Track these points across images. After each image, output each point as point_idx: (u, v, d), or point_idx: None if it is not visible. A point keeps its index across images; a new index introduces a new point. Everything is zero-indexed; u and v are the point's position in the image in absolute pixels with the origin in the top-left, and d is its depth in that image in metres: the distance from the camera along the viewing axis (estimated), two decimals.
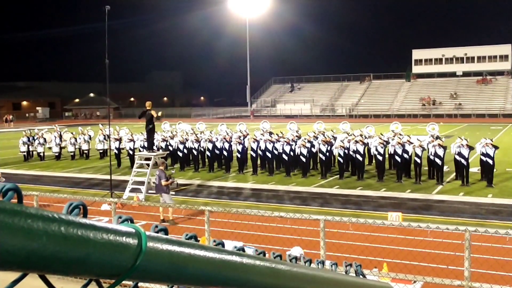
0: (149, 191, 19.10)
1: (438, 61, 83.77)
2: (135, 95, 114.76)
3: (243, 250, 1.22)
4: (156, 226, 0.96)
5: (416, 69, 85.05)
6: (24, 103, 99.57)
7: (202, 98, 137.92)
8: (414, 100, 77.70)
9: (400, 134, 22.64)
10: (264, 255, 1.31)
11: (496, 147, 19.27)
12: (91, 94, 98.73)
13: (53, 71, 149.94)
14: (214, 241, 1.15)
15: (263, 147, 22.87)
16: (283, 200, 17.90)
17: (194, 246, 0.89)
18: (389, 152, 21.44)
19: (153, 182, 16.64)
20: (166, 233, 0.94)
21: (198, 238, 1.11)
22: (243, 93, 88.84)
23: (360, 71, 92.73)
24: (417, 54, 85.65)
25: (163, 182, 15.02)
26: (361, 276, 2.12)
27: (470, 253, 7.17)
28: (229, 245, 1.59)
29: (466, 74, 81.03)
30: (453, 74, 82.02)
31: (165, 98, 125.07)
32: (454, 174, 20.54)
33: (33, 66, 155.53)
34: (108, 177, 19.21)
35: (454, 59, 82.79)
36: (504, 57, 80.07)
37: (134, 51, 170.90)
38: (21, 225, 0.59)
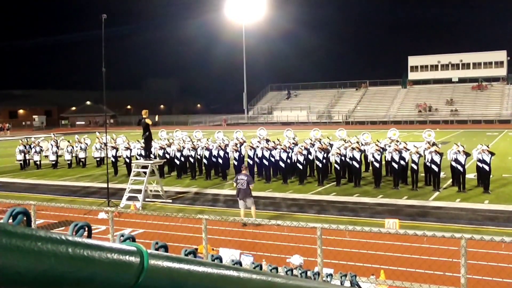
0: (146, 199, 19.10)
1: (434, 67, 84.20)
2: (132, 103, 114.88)
3: (240, 262, 1.26)
4: (157, 243, 1.00)
5: (412, 76, 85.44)
6: (21, 111, 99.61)
7: (199, 105, 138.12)
8: (410, 107, 77.99)
9: (397, 141, 22.71)
10: (261, 268, 1.34)
11: (492, 153, 19.34)
12: (88, 102, 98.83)
13: (50, 79, 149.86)
14: (212, 256, 1.19)
15: (260, 155, 22.92)
16: (280, 207, 17.91)
17: (193, 262, 0.93)
18: (386, 159, 21.49)
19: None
20: (166, 250, 0.98)
21: (196, 247, 1.15)
22: (240, 100, 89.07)
23: (356, 77, 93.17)
24: (413, 60, 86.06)
25: (252, 186, 15.44)
26: (356, 286, 2.15)
27: (466, 259, 7.20)
28: (226, 253, 1.63)
29: (461, 80, 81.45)
30: (449, 81, 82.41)
31: (162, 106, 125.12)
32: (451, 180, 20.61)
33: (30, 74, 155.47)
34: (105, 185, 19.21)
35: (449, 65, 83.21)
36: (500, 63, 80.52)
37: (131, 58, 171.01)
38: (32, 248, 0.63)
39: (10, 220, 0.71)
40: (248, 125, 71.41)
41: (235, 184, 15.86)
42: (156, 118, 21.08)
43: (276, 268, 1.44)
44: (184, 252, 1.06)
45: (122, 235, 0.91)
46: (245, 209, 15.37)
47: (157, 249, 0.97)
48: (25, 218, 0.72)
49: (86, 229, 0.81)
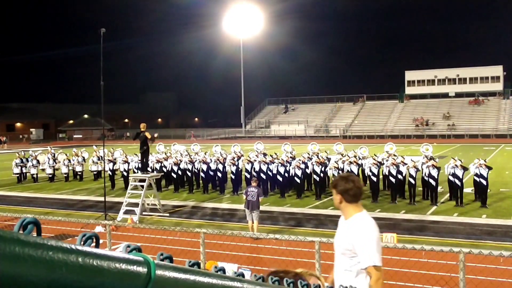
0: (143, 213, 19.04)
1: (431, 82, 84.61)
2: (130, 116, 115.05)
3: (243, 274, 1.27)
4: (162, 254, 1.01)
5: (409, 90, 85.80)
6: (18, 124, 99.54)
7: (196, 119, 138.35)
8: (408, 121, 78.21)
9: (394, 155, 22.74)
10: (263, 280, 1.35)
11: (489, 168, 19.38)
12: (85, 116, 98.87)
13: (47, 93, 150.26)
14: (216, 267, 1.19)
15: (257, 168, 22.90)
16: (278, 221, 17.87)
17: (198, 273, 0.94)
18: (383, 173, 21.52)
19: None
20: (171, 261, 0.99)
21: (199, 261, 1.15)
22: (238, 114, 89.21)
23: (353, 92, 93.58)
24: (410, 75, 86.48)
25: (261, 199, 15.63)
26: None
27: (464, 274, 7.19)
28: (224, 267, 1.63)
29: (458, 95, 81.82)
30: (445, 95, 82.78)
31: (160, 119, 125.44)
32: (448, 194, 20.62)
33: (27, 87, 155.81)
34: (102, 198, 19.15)
35: (446, 80, 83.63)
36: (496, 78, 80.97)
37: (129, 72, 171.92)
38: (44, 257, 0.64)
39: (21, 230, 0.71)
40: (246, 139, 71.42)
41: (245, 196, 15.84)
42: (155, 135, 21.13)
43: (278, 281, 1.45)
44: (188, 263, 1.07)
45: (128, 246, 0.91)
46: (252, 223, 15.38)
47: (162, 260, 0.98)
48: (35, 228, 0.73)
49: (94, 239, 0.82)
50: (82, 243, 0.81)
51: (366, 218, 4.55)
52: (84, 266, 0.69)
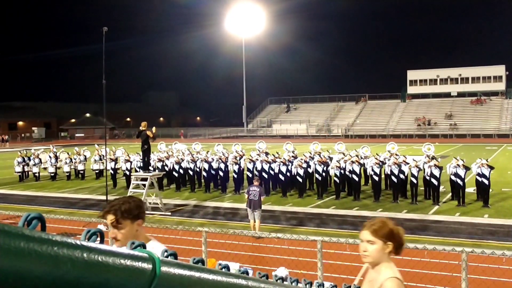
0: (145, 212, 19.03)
1: (433, 81, 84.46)
2: (131, 115, 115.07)
3: (247, 271, 1.26)
4: (166, 251, 1.00)
5: (411, 90, 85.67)
6: (20, 123, 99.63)
7: (198, 118, 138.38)
8: (410, 120, 78.10)
9: (396, 155, 22.71)
10: (267, 278, 1.34)
11: (491, 168, 19.34)
12: (87, 114, 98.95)
13: (49, 92, 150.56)
14: (220, 264, 1.19)
15: (259, 168, 22.90)
16: (280, 220, 17.86)
17: (203, 270, 0.93)
18: (385, 173, 21.48)
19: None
20: (176, 258, 0.98)
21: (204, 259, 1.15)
22: (239, 113, 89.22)
23: (355, 91, 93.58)
24: (412, 74, 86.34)
25: (263, 198, 15.65)
26: None
27: (467, 274, 7.17)
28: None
29: (460, 94, 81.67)
30: (447, 95, 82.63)
31: (161, 118, 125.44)
32: (450, 194, 20.59)
33: (29, 86, 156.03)
34: (104, 197, 19.17)
35: (448, 79, 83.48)
36: (498, 78, 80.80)
37: (131, 71, 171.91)
38: (49, 253, 0.63)
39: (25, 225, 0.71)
40: (248, 138, 71.38)
41: (246, 196, 15.84)
42: (153, 129, 21.12)
43: (282, 279, 1.44)
44: (192, 260, 1.06)
45: (133, 242, 0.91)
46: (254, 222, 15.38)
47: (166, 257, 0.97)
48: (40, 224, 0.72)
49: (99, 235, 0.81)
50: (86, 239, 0.81)
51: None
52: (89, 262, 0.69)
